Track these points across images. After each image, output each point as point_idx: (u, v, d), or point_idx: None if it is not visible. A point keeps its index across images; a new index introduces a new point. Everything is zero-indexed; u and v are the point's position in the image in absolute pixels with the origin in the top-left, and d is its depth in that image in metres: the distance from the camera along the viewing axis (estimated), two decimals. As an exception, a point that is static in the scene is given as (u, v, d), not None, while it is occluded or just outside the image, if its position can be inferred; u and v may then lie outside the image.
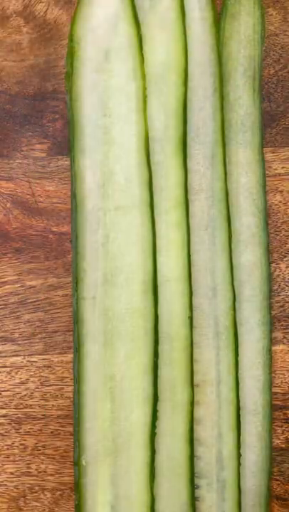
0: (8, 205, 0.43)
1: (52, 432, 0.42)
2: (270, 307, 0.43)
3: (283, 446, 0.42)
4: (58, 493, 0.42)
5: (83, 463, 0.39)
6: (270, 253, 0.43)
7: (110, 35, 0.41)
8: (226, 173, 0.42)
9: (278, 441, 0.42)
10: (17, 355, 0.42)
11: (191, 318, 0.40)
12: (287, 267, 0.43)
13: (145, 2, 0.41)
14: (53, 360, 0.42)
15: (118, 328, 0.39)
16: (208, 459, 0.40)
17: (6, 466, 0.41)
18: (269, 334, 0.42)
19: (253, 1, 0.44)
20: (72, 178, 0.40)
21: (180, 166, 0.40)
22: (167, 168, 0.40)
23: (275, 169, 0.44)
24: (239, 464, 0.40)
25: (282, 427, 0.42)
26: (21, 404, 0.42)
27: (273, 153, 0.44)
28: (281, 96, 0.44)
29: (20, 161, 0.43)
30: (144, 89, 0.40)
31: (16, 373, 0.42)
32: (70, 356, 0.42)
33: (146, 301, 0.39)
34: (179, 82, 0.40)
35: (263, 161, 0.43)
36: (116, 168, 0.40)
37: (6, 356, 0.42)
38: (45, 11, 0.44)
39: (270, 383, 0.42)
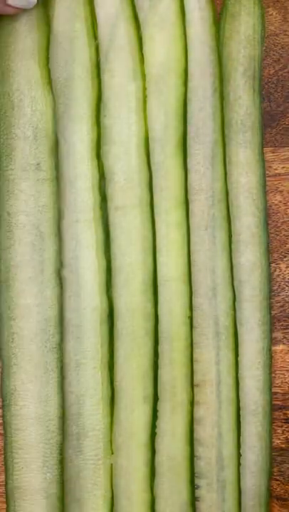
0: (8, 205, 0.43)
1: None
2: (270, 307, 0.42)
3: (283, 446, 0.42)
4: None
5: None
6: (270, 253, 0.43)
7: (110, 35, 0.41)
8: (226, 173, 0.42)
9: (278, 441, 0.42)
10: (17, 355, 0.42)
11: (191, 318, 0.40)
12: (287, 267, 0.43)
13: (145, 2, 0.41)
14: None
15: (118, 327, 0.39)
16: (208, 459, 0.40)
17: (6, 466, 0.41)
18: (269, 334, 0.42)
19: (253, 1, 0.44)
20: None
21: (180, 166, 0.40)
22: (167, 168, 0.40)
23: (275, 169, 0.44)
24: (239, 464, 0.40)
25: (282, 427, 0.42)
26: (21, 404, 0.42)
27: (273, 153, 0.44)
28: (281, 96, 0.44)
29: (20, 161, 0.43)
30: (144, 89, 0.40)
31: (16, 373, 0.42)
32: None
33: (146, 301, 0.39)
34: (178, 83, 0.40)
35: (263, 161, 0.43)
36: (116, 168, 0.40)
37: (6, 356, 0.42)
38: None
39: (270, 383, 0.42)
